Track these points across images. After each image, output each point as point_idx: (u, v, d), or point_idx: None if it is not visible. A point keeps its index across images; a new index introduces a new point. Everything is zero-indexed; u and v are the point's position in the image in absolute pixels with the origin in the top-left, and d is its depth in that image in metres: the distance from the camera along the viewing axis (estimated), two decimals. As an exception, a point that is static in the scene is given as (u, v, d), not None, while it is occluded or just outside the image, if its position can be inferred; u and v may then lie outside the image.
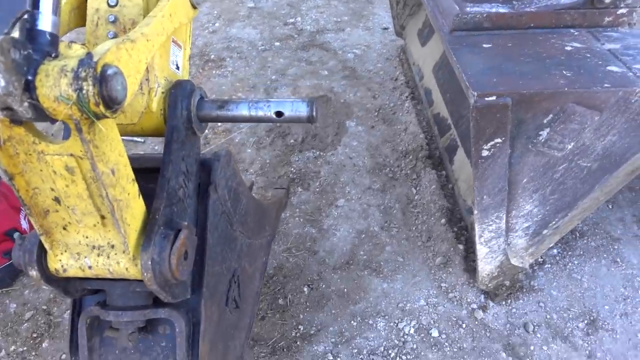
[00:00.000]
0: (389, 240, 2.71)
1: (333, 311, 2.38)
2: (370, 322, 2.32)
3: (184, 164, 1.45)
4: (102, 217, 1.23)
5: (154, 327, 1.49)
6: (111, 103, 1.02)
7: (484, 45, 1.79)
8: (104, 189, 1.14)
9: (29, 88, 0.96)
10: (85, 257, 1.28)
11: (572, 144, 1.64)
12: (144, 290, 1.36)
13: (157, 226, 1.29)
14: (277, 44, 4.62)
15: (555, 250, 2.51)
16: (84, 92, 0.96)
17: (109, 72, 1.00)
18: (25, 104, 0.96)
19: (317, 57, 4.37)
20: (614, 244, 2.51)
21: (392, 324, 2.30)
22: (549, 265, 2.45)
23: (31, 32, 0.99)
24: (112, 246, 1.28)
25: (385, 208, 2.90)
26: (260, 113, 1.49)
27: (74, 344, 1.53)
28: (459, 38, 1.85)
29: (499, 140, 1.61)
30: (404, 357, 2.17)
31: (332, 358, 2.19)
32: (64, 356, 2.28)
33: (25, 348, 2.32)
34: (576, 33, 1.82)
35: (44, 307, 2.51)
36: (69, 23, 1.49)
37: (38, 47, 0.99)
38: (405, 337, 2.25)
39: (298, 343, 2.26)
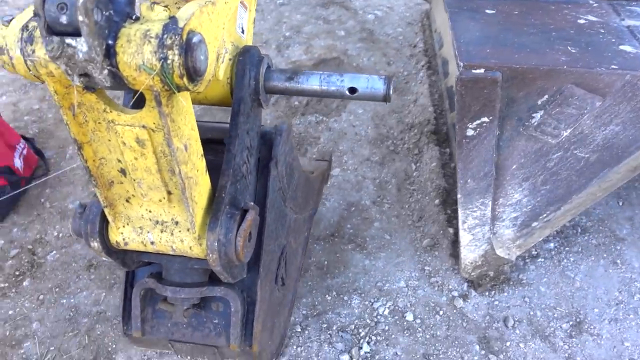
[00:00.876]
0: (379, 215, 2.59)
1: (309, 283, 2.31)
2: (345, 298, 2.24)
3: (248, 138, 1.38)
4: (169, 193, 1.19)
5: (207, 303, 1.48)
6: (194, 75, 0.93)
7: (487, 11, 1.59)
8: (177, 165, 1.07)
9: (109, 54, 0.88)
10: (148, 232, 1.25)
11: (569, 130, 1.46)
12: (201, 267, 1.34)
13: (224, 205, 1.24)
14: (297, -2, 4.41)
15: (551, 244, 2.35)
16: (169, 62, 0.88)
17: (195, 40, 0.91)
18: (105, 71, 0.88)
19: (336, 16, 4.15)
20: (617, 244, 2.32)
21: (367, 302, 2.22)
22: (542, 260, 2.30)
23: None
24: (176, 223, 1.23)
25: (380, 182, 2.77)
26: (333, 88, 1.38)
27: (126, 313, 1.54)
28: (462, 1, 1.66)
29: (486, 119, 1.45)
30: (373, 338, 2.10)
31: (300, 330, 2.14)
32: (41, 296, 2.31)
33: (6, 284, 2.36)
34: (595, 4, 1.59)
35: (30, 247, 2.54)
36: None
37: (117, 8, 0.89)
38: (379, 317, 2.17)
39: (269, 310, 2.21)
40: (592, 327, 2.06)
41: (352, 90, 1.37)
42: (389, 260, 2.38)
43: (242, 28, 1.46)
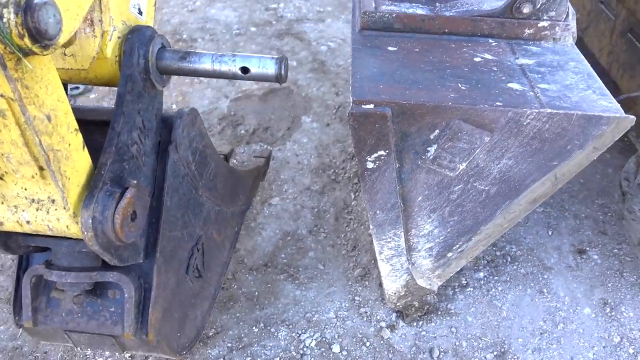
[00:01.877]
0: (315, 245, 2.58)
1: (238, 314, 2.27)
2: (273, 329, 2.21)
3: (140, 118, 1.35)
4: (41, 169, 1.13)
5: (103, 290, 1.41)
6: (39, 37, 0.91)
7: (389, 48, 1.64)
8: (36, 136, 1.04)
9: None
10: (23, 210, 1.18)
11: (465, 164, 1.49)
12: (91, 250, 1.26)
13: (102, 182, 1.20)
14: (253, 29, 4.48)
15: (481, 274, 2.36)
16: (5, 20, 0.86)
17: (37, 0, 0.89)
18: None
19: (290, 47, 4.22)
20: (544, 273, 2.35)
21: (294, 334, 2.19)
22: (472, 289, 2.31)
23: None
24: (53, 201, 1.18)
25: (319, 211, 2.77)
26: (225, 67, 1.40)
27: (18, 302, 1.46)
28: (367, 38, 1.71)
29: (382, 152, 1.47)
30: (297, 371, 2.06)
31: (223, 364, 2.09)
32: None
33: None
34: (494, 44, 1.65)
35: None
36: None
37: None
38: (305, 349, 2.13)
39: (194, 344, 2.16)
40: (515, 357, 2.06)
41: (245, 70, 1.39)
42: (320, 291, 2.36)
43: (139, 9, 1.46)
